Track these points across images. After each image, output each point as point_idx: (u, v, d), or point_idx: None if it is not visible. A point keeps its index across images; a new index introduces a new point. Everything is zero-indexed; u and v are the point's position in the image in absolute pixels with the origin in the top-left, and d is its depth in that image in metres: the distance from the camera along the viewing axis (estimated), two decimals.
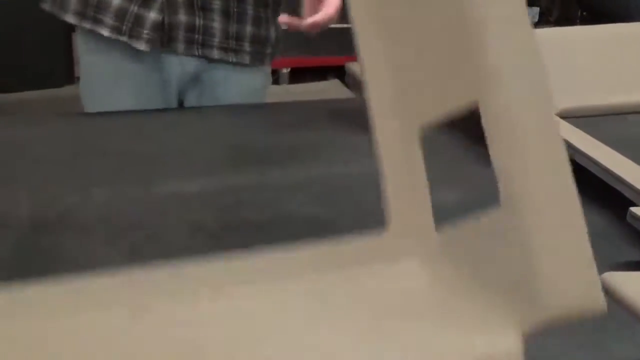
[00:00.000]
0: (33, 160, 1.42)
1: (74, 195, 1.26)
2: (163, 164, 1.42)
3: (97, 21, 1.70)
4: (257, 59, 1.88)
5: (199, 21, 1.72)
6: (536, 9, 4.20)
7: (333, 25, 1.58)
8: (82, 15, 1.71)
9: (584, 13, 3.52)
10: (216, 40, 1.76)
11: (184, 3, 1.67)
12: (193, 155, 1.46)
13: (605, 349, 1.00)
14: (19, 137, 1.54)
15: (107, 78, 1.83)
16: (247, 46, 1.82)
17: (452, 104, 0.64)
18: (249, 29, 1.79)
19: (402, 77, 0.70)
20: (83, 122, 1.75)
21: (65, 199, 1.25)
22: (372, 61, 0.70)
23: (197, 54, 1.75)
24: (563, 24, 3.26)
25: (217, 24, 1.75)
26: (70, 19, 1.71)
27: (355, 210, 1.24)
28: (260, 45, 1.85)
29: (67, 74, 4.46)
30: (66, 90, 4.55)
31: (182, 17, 1.68)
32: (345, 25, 0.97)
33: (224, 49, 1.79)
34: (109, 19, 1.67)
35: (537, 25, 4.09)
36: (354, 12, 0.74)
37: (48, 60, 4.43)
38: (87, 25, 1.72)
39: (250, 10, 1.79)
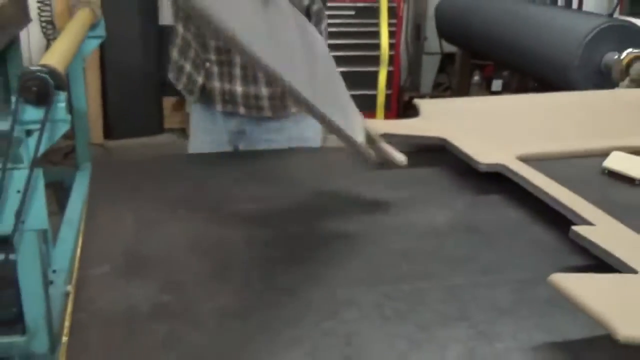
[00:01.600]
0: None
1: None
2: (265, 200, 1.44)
3: (191, 92, 1.75)
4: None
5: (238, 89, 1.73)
6: (500, 81, 4.21)
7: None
8: (187, 89, 1.76)
9: (536, 84, 3.52)
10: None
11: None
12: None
13: (553, 328, 1.00)
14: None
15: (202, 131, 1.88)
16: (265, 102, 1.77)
17: None
18: (263, 89, 1.74)
19: None
20: (175, 160, 1.78)
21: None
22: None
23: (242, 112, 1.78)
24: (520, 92, 3.27)
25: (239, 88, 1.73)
26: (180, 87, 1.77)
27: None
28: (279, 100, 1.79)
29: (159, 126, 4.55)
30: (158, 139, 4.64)
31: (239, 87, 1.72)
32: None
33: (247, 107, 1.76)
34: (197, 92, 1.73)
35: (500, 93, 4.10)
36: None
37: (145, 116, 4.50)
38: (186, 94, 1.77)
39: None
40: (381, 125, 1.60)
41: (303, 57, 1.24)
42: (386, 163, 1.35)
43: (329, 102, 1.20)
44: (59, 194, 3.07)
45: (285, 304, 1.04)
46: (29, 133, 2.29)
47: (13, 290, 1.65)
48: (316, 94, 1.14)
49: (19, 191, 2.21)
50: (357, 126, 1.29)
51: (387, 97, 4.45)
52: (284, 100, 1.76)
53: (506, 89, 4.10)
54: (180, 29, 1.71)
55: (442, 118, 1.67)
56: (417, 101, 1.76)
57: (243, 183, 1.48)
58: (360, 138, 1.26)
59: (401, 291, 1.08)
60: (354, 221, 1.31)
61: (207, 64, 1.65)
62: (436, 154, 1.57)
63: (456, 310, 1.03)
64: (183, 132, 4.56)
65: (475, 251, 1.22)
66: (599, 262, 1.12)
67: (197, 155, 1.81)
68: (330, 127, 1.16)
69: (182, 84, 1.80)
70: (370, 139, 1.32)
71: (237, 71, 1.65)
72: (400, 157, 1.33)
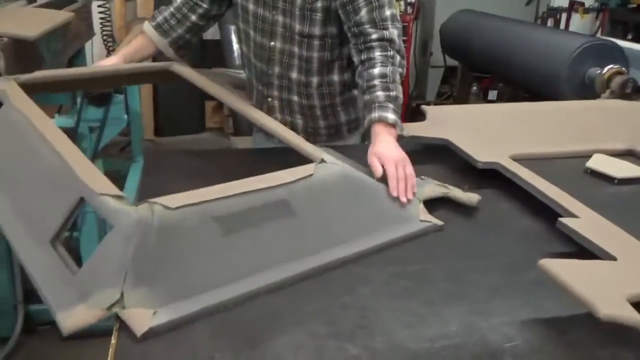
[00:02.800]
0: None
1: None
2: None
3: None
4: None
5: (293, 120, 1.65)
6: (495, 92, 4.17)
7: None
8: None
9: (527, 95, 3.48)
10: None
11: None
12: None
13: (541, 306, 0.99)
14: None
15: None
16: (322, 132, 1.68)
17: None
18: (321, 122, 1.66)
19: None
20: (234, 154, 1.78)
21: None
22: None
23: None
24: (513, 102, 3.23)
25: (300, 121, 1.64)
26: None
27: None
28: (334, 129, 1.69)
29: (201, 126, 4.56)
30: (200, 136, 4.66)
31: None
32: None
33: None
34: None
35: (495, 102, 4.06)
36: None
37: (189, 117, 4.52)
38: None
39: (319, 111, 1.64)
40: None
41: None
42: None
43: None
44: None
45: (307, 281, 1.03)
46: (91, 129, 2.31)
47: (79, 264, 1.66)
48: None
49: None
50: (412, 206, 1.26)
51: None
52: (339, 130, 1.71)
53: (500, 99, 4.05)
54: (245, 70, 1.70)
55: (445, 122, 1.65)
56: (424, 107, 1.75)
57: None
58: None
59: (408, 271, 1.07)
60: None
61: (270, 99, 1.63)
62: (440, 153, 1.56)
63: (456, 289, 1.02)
64: (221, 131, 4.57)
65: (473, 238, 1.21)
66: (582, 250, 1.10)
67: (235, 150, 1.80)
68: None
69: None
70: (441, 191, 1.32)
71: (296, 107, 1.62)
72: (474, 197, 1.32)
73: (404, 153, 1.30)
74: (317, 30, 1.51)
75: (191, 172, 1.49)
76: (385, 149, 1.30)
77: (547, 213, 1.24)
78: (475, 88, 4.21)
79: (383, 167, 1.26)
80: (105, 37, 3.80)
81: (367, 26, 1.44)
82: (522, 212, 1.31)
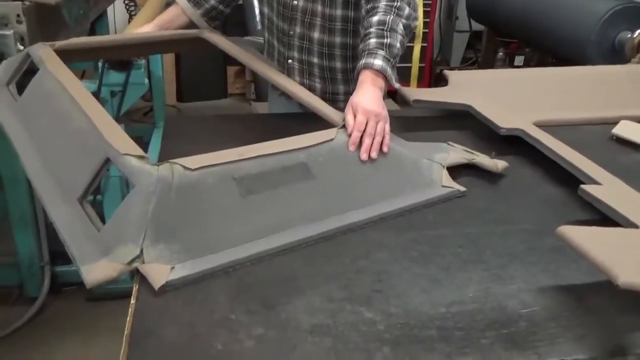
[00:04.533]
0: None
1: None
2: None
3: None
4: None
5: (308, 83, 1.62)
6: (522, 57, 4.08)
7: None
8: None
9: (554, 60, 3.40)
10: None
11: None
12: None
13: (560, 273, 0.98)
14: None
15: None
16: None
17: None
18: (340, 87, 1.62)
19: None
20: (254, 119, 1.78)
21: None
22: None
23: None
24: (540, 67, 3.16)
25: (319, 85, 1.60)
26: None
27: None
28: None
29: (223, 92, 4.54)
30: (222, 102, 4.65)
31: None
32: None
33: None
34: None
35: (521, 67, 3.97)
36: None
37: (211, 82, 4.51)
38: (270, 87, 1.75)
39: (339, 74, 1.60)
40: (415, 92, 1.57)
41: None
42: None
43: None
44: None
45: (327, 243, 1.04)
46: (113, 94, 2.32)
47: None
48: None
49: None
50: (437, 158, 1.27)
51: (420, 69, 4.36)
52: None
53: (527, 65, 3.96)
54: (265, 34, 1.67)
55: (468, 87, 1.62)
56: (446, 72, 1.72)
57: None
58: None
59: (426, 236, 1.07)
60: None
61: (290, 61, 1.61)
62: (462, 119, 1.54)
63: (474, 255, 1.02)
64: (243, 97, 4.56)
65: (494, 204, 1.20)
66: (603, 217, 1.08)
67: (257, 115, 1.80)
68: None
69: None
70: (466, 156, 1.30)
71: (316, 70, 1.60)
72: (501, 164, 1.30)
73: (384, 108, 1.21)
74: None
75: (212, 136, 1.49)
76: (363, 99, 1.20)
77: (570, 180, 1.22)
78: (501, 53, 4.13)
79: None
80: (126, 1, 3.79)
81: None
82: (544, 180, 1.30)
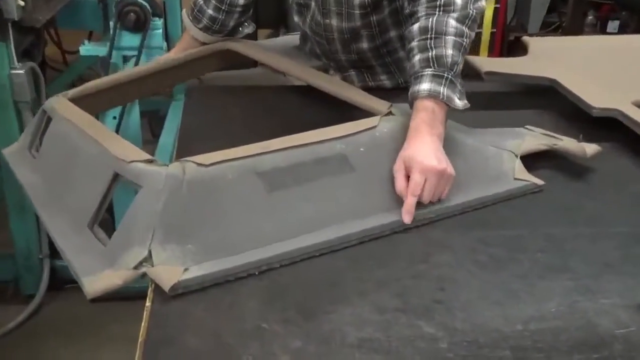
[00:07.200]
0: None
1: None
2: None
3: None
4: None
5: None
6: (616, 22, 4.00)
7: None
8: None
9: None
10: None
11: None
12: None
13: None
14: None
15: None
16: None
17: None
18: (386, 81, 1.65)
19: None
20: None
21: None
22: None
23: None
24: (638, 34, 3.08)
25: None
26: None
27: None
28: None
29: (254, 62, 4.55)
30: (252, 72, 4.66)
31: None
32: None
33: None
34: None
35: (616, 35, 3.89)
36: None
37: None
38: None
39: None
40: (487, 63, 1.56)
41: None
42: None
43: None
44: (153, 123, 3.16)
45: (377, 243, 1.03)
46: (126, 59, 2.35)
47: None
48: None
49: (114, 117, 2.30)
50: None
51: (492, 35, 4.30)
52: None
53: (623, 31, 3.87)
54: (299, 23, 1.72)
55: (552, 57, 1.61)
56: (525, 38, 1.70)
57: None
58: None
59: (498, 237, 1.06)
60: None
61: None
62: (543, 96, 1.52)
63: (558, 261, 1.00)
64: None
65: (579, 200, 1.18)
66: None
67: (291, 87, 1.80)
68: None
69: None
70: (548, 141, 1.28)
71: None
72: (591, 149, 1.27)
73: (448, 162, 1.11)
74: None
75: (239, 113, 1.51)
76: (417, 151, 1.10)
77: None
78: (591, 17, 4.05)
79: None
80: None
81: None
82: None
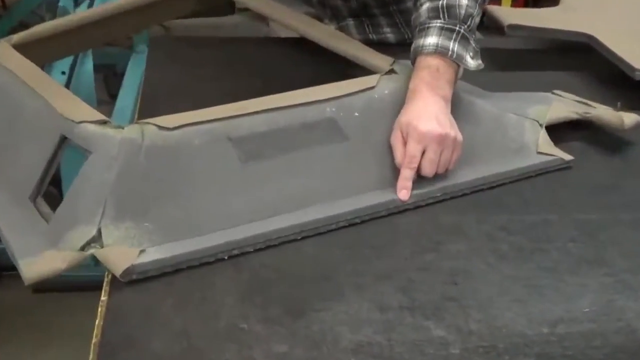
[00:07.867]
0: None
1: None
2: None
3: None
4: None
5: None
6: None
7: None
8: None
9: None
10: None
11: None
12: None
13: None
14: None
15: None
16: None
17: None
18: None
19: None
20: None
21: None
22: None
23: None
24: None
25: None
26: None
27: None
28: None
29: (229, 5, 4.54)
30: (228, 20, 4.66)
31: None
32: None
33: None
34: None
35: None
36: None
37: None
38: None
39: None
40: (511, 14, 1.56)
41: None
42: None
43: None
44: (110, 81, 3.14)
45: (377, 228, 1.03)
46: (77, 1, 2.32)
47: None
48: None
49: (63, 72, 2.27)
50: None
51: None
52: None
53: None
54: None
55: (589, 10, 1.61)
56: None
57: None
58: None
59: (520, 223, 1.06)
60: None
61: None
62: (576, 55, 1.53)
63: (591, 252, 1.01)
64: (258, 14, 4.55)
65: (616, 180, 1.19)
66: None
67: (275, 39, 1.80)
68: None
69: None
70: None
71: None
72: (630, 118, 1.26)
73: (453, 125, 1.10)
74: None
75: (212, 70, 1.51)
76: (415, 116, 1.08)
77: None
78: None
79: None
80: None
81: None
82: None
